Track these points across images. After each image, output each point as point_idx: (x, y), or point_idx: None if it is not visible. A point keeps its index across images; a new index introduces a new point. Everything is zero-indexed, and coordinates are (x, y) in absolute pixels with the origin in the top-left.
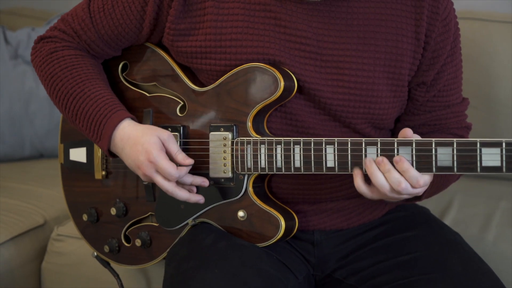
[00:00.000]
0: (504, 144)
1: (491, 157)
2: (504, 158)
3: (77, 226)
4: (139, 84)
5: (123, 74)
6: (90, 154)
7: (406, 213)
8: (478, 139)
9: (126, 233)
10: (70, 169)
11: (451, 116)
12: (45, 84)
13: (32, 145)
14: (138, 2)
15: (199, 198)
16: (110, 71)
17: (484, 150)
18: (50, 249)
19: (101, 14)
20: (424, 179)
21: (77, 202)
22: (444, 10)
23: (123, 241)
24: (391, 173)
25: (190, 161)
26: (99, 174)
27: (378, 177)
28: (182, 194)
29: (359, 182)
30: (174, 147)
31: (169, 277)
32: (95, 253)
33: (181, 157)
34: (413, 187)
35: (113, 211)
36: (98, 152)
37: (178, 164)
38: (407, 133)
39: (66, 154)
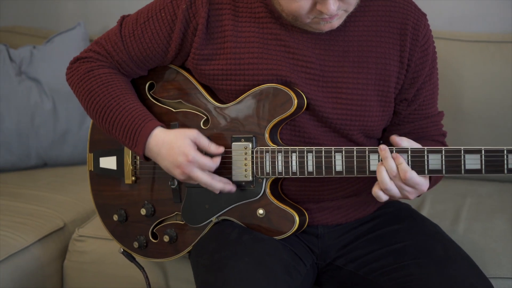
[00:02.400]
0: (483, 151)
1: (473, 162)
2: (483, 162)
3: (106, 226)
4: (165, 101)
5: (150, 92)
6: (120, 162)
7: (393, 208)
8: (462, 147)
9: (154, 230)
10: (99, 176)
11: (430, 125)
12: (82, 99)
13: (37, 155)
14: (165, 29)
15: (232, 187)
16: (138, 89)
17: (467, 156)
18: (71, 249)
19: (132, 38)
20: (412, 176)
21: (106, 204)
22: (423, 37)
23: (151, 237)
24: (388, 160)
25: (222, 148)
26: (129, 179)
27: (382, 173)
28: (218, 184)
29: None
30: (205, 141)
31: (203, 267)
32: (122, 249)
33: (213, 147)
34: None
35: (143, 211)
36: (128, 160)
37: (211, 156)
38: (394, 139)
39: (96, 162)
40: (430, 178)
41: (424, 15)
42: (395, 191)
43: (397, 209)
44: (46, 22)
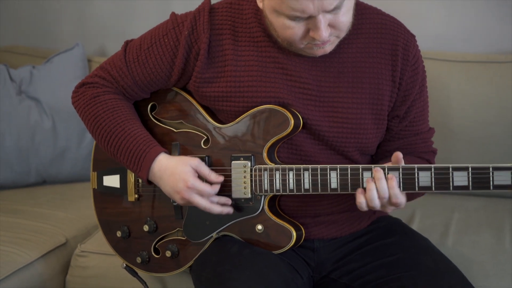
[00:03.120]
0: (470, 169)
1: (460, 178)
2: (470, 179)
3: (109, 242)
4: (166, 121)
5: (152, 113)
6: (123, 181)
7: (385, 223)
8: (450, 165)
9: (156, 246)
10: (102, 193)
11: (419, 142)
12: (88, 123)
13: (37, 172)
14: (168, 54)
15: (230, 210)
16: (140, 111)
17: (455, 173)
18: (74, 264)
19: (136, 63)
20: (401, 201)
21: (109, 221)
22: (413, 57)
23: (153, 253)
24: (381, 182)
25: (221, 178)
26: (132, 197)
27: (371, 191)
28: (216, 208)
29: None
30: (206, 170)
31: (205, 279)
32: (125, 264)
33: (213, 176)
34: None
35: (145, 227)
36: (131, 178)
37: (211, 183)
38: (398, 155)
39: (100, 180)
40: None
41: (413, 36)
42: (377, 206)
43: (389, 224)
44: (44, 42)
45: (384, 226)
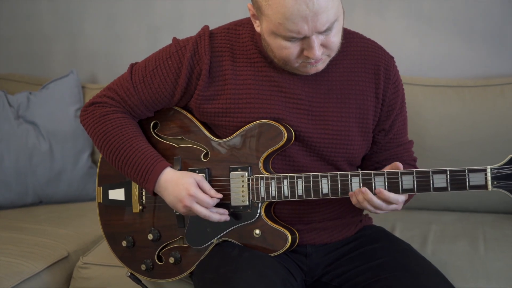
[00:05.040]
0: (448, 172)
1: (440, 181)
2: (448, 181)
3: (114, 252)
4: (168, 137)
5: (154, 131)
6: (128, 193)
7: (371, 231)
8: (430, 169)
9: (160, 254)
10: (107, 207)
11: (403, 151)
12: (97, 140)
13: (34, 192)
14: (172, 75)
15: (227, 217)
16: (143, 129)
17: (435, 176)
18: (76, 276)
19: (142, 84)
20: (397, 198)
21: (115, 233)
22: (393, 76)
23: (156, 260)
24: (374, 201)
25: (220, 195)
26: (136, 208)
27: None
28: (215, 216)
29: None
30: (207, 186)
31: (209, 281)
32: (129, 273)
33: (213, 192)
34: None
35: (150, 236)
36: (135, 191)
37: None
38: (398, 165)
39: (105, 194)
40: None
41: (392, 57)
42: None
43: (374, 232)
44: (38, 71)
45: (370, 234)
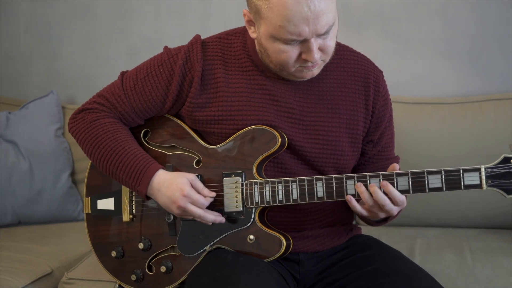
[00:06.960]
0: (443, 172)
1: (435, 181)
2: (444, 181)
3: (103, 264)
4: (159, 145)
5: (145, 139)
6: (117, 203)
7: (361, 239)
8: (425, 170)
9: (150, 263)
10: (95, 217)
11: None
12: (87, 144)
13: (13, 213)
14: (163, 82)
15: (222, 219)
16: (134, 137)
17: (430, 176)
18: None
19: (133, 91)
20: (401, 198)
21: (103, 243)
22: (382, 89)
23: (147, 270)
24: (378, 194)
25: (214, 194)
26: (126, 217)
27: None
28: (210, 217)
29: (354, 204)
30: (200, 185)
31: (205, 285)
32: (118, 285)
33: (206, 191)
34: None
35: (140, 245)
36: (125, 199)
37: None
38: (394, 167)
39: (94, 204)
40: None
41: (381, 71)
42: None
43: (365, 240)
44: (16, 91)
45: (361, 242)
